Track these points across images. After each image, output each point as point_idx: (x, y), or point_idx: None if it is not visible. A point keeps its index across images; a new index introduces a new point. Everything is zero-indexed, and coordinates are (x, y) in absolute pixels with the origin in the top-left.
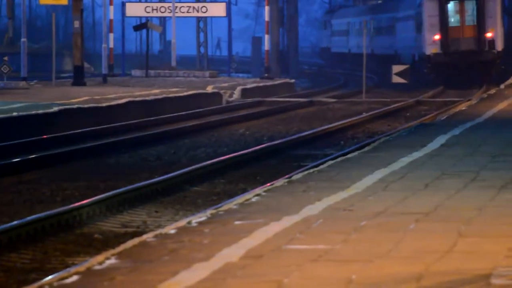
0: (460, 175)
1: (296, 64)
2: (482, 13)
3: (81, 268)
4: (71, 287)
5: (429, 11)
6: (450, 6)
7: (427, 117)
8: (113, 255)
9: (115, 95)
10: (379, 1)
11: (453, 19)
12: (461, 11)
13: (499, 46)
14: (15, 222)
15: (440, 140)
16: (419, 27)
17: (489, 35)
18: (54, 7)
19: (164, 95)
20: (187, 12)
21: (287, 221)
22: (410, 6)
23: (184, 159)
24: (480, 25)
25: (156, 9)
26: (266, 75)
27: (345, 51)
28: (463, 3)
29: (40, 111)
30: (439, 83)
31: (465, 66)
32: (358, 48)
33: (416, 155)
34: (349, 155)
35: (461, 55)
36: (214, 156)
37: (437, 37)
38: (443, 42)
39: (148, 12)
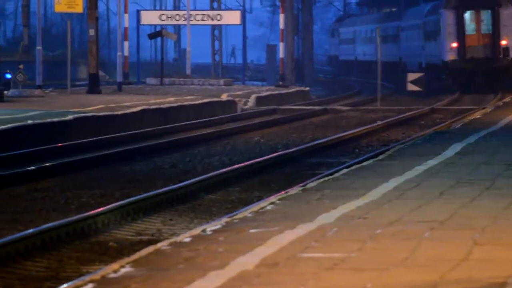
0: (475, 183)
1: (311, 72)
2: (497, 22)
3: (96, 276)
4: None
5: (447, 20)
6: (467, 15)
7: (442, 125)
8: (128, 263)
9: (130, 103)
10: (393, 9)
11: (469, 28)
12: (477, 20)
13: None
14: (30, 230)
15: (455, 148)
16: (427, 35)
17: (503, 42)
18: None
19: (179, 103)
20: (202, 20)
21: (302, 229)
22: (416, 16)
23: (199, 167)
24: (495, 34)
25: (171, 17)
26: (280, 83)
27: (352, 58)
28: (479, 12)
29: (55, 119)
30: (455, 90)
31: (481, 72)
32: (364, 56)
33: (431, 163)
34: (364, 163)
35: (477, 62)
36: (229, 164)
37: (454, 44)
38: (460, 49)
39: (163, 20)
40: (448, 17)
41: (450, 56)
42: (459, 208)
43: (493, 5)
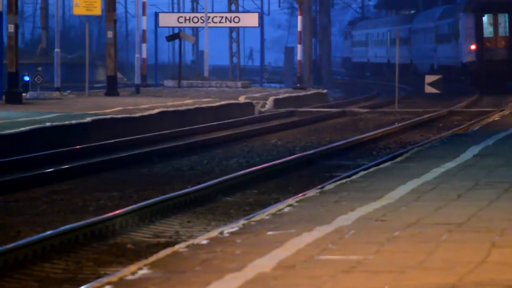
0: (493, 186)
1: (329, 74)
2: None
3: (114, 278)
4: None
5: (466, 24)
6: (485, 18)
7: (460, 127)
8: (145, 265)
9: (148, 105)
10: (412, 12)
11: (487, 31)
12: (494, 23)
13: None
14: (48, 232)
15: (473, 150)
16: (439, 38)
17: None
18: (88, 17)
19: (196, 105)
20: (220, 22)
21: (319, 232)
22: (428, 19)
23: (217, 169)
24: None
25: (189, 20)
26: (298, 85)
27: (364, 60)
28: (497, 16)
29: (74, 122)
30: (474, 91)
31: (498, 74)
32: (376, 58)
33: (449, 165)
34: (381, 166)
35: (494, 64)
36: (246, 166)
37: (473, 47)
38: (478, 51)
39: (181, 23)
40: (467, 21)
41: (469, 58)
42: (477, 211)
43: (510, 9)
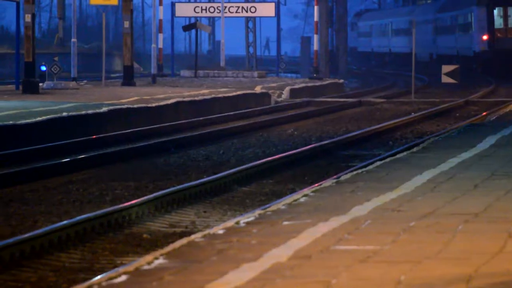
0: (510, 176)
1: (345, 64)
2: None
3: (130, 268)
4: (119, 287)
5: (479, 16)
6: (496, 11)
7: (477, 117)
8: (161, 255)
9: (164, 95)
10: (429, 1)
11: (497, 22)
12: (504, 16)
13: None
14: (64, 222)
15: (490, 140)
16: (438, 30)
17: None
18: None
19: (213, 95)
20: (236, 12)
21: (335, 222)
22: (428, 12)
23: (233, 159)
24: None
25: (205, 9)
26: (314, 75)
27: (369, 50)
28: (507, 9)
29: (90, 111)
30: (489, 80)
31: (508, 62)
32: (379, 48)
33: (465, 155)
34: (397, 156)
35: (505, 53)
36: (262, 156)
37: (485, 37)
38: (490, 41)
39: (197, 12)
40: (479, 13)
41: (482, 48)
42: (494, 201)
43: None
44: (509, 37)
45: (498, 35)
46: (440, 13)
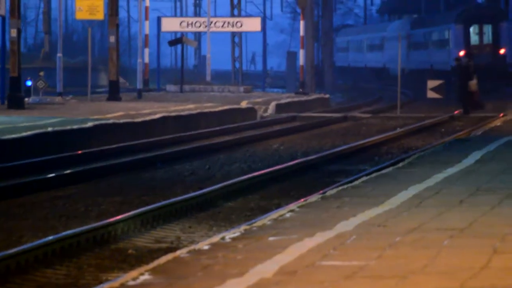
0: (495, 191)
1: (331, 78)
2: (497, 34)
3: (115, 284)
4: None
5: (456, 33)
6: (472, 29)
7: (462, 132)
8: (147, 270)
9: (150, 110)
10: (414, 16)
11: (473, 39)
12: (480, 33)
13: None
14: (50, 237)
15: (475, 156)
16: (411, 45)
17: (502, 51)
18: (90, 22)
19: (198, 110)
20: (222, 27)
21: (321, 237)
22: (401, 29)
23: (219, 174)
24: (495, 44)
25: (191, 24)
26: (300, 90)
27: (346, 65)
28: (482, 26)
29: (75, 126)
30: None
31: (484, 76)
32: (355, 62)
33: (450, 171)
34: (383, 171)
35: (480, 67)
36: (248, 171)
37: (462, 53)
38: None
39: (183, 27)
40: (457, 30)
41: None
42: (479, 216)
43: (492, 21)
44: (483, 53)
45: (474, 51)
46: (412, 30)
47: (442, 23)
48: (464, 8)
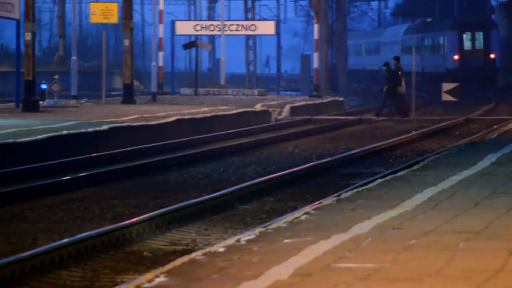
0: (511, 194)
1: (345, 81)
2: (487, 41)
3: (130, 286)
4: None
5: (451, 39)
6: (465, 35)
7: (477, 135)
8: (162, 273)
9: (165, 113)
10: (428, 19)
11: (466, 45)
12: (472, 39)
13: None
14: (65, 240)
15: (490, 158)
16: (404, 50)
17: (492, 56)
18: (105, 25)
19: (213, 113)
20: (236, 30)
21: (336, 240)
22: (395, 34)
23: (233, 177)
24: (486, 49)
25: (206, 28)
26: (315, 93)
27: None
28: (474, 33)
29: (90, 129)
30: (489, 98)
31: (476, 78)
32: (355, 65)
33: (466, 173)
34: (398, 174)
35: (472, 70)
36: (263, 174)
37: (456, 57)
38: (460, 60)
39: (198, 31)
40: (451, 37)
41: (453, 65)
42: (495, 219)
43: (484, 28)
44: (476, 57)
45: (467, 55)
46: (405, 35)
47: (439, 30)
48: (458, 16)
